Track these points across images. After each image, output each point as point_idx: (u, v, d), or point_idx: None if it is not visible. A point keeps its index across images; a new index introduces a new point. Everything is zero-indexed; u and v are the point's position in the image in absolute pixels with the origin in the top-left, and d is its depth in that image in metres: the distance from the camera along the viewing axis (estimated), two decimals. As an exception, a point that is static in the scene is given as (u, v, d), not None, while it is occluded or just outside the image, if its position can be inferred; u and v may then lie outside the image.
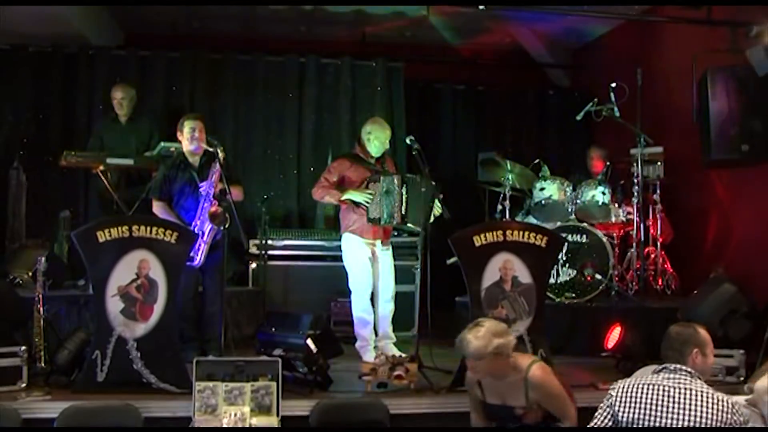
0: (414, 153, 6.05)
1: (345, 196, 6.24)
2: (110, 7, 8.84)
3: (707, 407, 3.58)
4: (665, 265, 7.50)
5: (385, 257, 6.40)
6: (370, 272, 6.33)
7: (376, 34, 9.62)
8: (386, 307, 6.43)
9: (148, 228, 5.21)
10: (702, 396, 3.62)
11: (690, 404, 3.61)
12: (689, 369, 3.72)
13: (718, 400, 3.59)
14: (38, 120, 8.26)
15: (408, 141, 6.13)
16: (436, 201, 6.08)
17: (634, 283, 7.30)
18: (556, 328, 6.63)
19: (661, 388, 3.70)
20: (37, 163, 8.15)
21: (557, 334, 6.62)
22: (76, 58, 8.39)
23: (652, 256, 7.49)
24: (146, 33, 9.58)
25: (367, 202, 6.16)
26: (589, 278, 6.96)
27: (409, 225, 6.22)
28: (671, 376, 3.73)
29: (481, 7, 6.76)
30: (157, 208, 6.05)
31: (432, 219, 6.11)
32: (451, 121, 9.71)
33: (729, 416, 3.57)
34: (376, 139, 6.27)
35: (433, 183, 6.10)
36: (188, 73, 8.60)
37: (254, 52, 8.84)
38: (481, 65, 10.29)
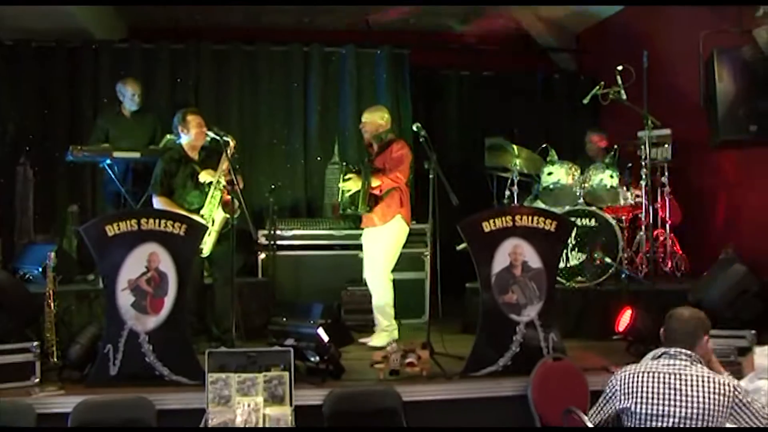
0: (421, 141, 6.04)
1: None
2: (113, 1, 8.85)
3: (707, 391, 3.61)
4: (674, 248, 7.49)
5: (366, 245, 6.56)
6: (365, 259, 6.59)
7: (379, 22, 9.59)
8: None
9: (157, 221, 5.19)
10: (702, 380, 3.64)
11: (690, 390, 3.64)
12: (689, 353, 3.75)
13: (718, 383, 3.62)
14: (43, 115, 8.25)
15: (414, 128, 6.13)
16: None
17: (643, 266, 7.29)
18: (566, 312, 6.64)
19: (660, 375, 3.73)
20: (44, 159, 8.17)
21: (568, 318, 6.62)
22: (79, 53, 8.36)
23: (661, 238, 7.47)
24: (149, 26, 9.56)
25: None
26: (599, 262, 6.95)
27: (347, 212, 6.45)
28: (670, 362, 3.76)
29: None
30: (159, 204, 6.04)
31: (345, 198, 6.34)
32: (457, 107, 9.66)
33: (730, 399, 3.59)
34: (363, 127, 6.53)
35: (346, 164, 6.44)
36: (192, 65, 8.57)
37: (258, 42, 8.80)
38: (486, 51, 10.23)
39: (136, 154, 6.86)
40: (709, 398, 3.60)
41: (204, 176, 6.03)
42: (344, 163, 6.52)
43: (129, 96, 7.24)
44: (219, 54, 8.65)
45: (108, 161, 6.81)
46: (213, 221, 5.95)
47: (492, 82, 9.84)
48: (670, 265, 7.40)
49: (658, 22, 8.39)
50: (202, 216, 5.91)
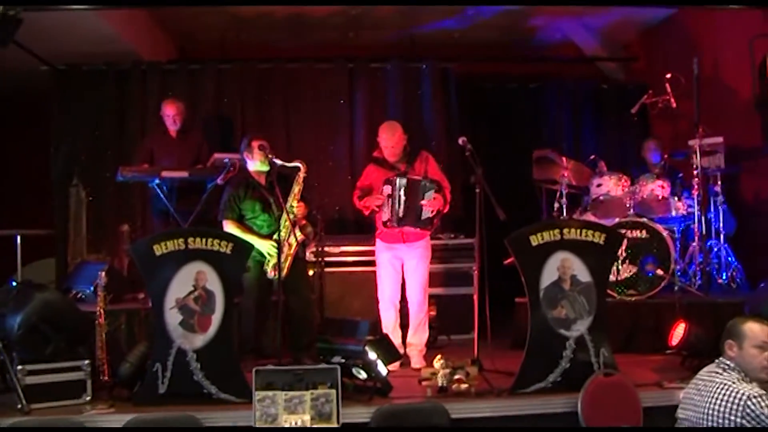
0: (467, 154, 5.98)
1: (362, 203, 6.31)
2: (161, 22, 8.98)
3: (717, 398, 3.68)
4: (729, 258, 7.30)
5: (411, 261, 6.28)
6: (392, 279, 6.30)
7: (423, 37, 9.57)
8: (412, 312, 6.32)
9: (204, 239, 5.25)
10: (717, 387, 3.71)
11: (705, 395, 3.74)
12: (727, 361, 3.82)
13: (730, 391, 3.65)
14: (95, 137, 8.40)
15: (460, 142, 6.06)
16: (428, 195, 6.12)
17: (697, 278, 7.13)
18: (618, 326, 6.51)
19: (697, 382, 3.88)
20: (95, 179, 8.32)
21: (619, 333, 6.51)
22: (128, 75, 8.51)
23: (715, 249, 7.30)
24: (196, 46, 9.71)
25: (377, 206, 6.19)
26: (650, 274, 6.80)
27: (406, 227, 6.16)
28: (710, 369, 3.88)
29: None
30: (229, 228, 6.05)
31: (426, 216, 6.12)
32: (504, 120, 9.59)
33: (739, 408, 3.60)
34: (386, 145, 6.29)
35: (430, 181, 6.15)
36: (238, 84, 8.65)
37: (303, 59, 8.85)
38: (531, 62, 10.16)
39: (185, 174, 6.92)
40: (715, 404, 3.67)
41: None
42: (426, 181, 6.20)
43: (169, 118, 7.34)
44: (264, 72, 8.71)
45: (157, 181, 6.88)
46: (289, 245, 5.96)
47: (538, 93, 9.75)
48: (724, 276, 7.22)
49: (706, 28, 8.25)
50: (276, 240, 5.92)
